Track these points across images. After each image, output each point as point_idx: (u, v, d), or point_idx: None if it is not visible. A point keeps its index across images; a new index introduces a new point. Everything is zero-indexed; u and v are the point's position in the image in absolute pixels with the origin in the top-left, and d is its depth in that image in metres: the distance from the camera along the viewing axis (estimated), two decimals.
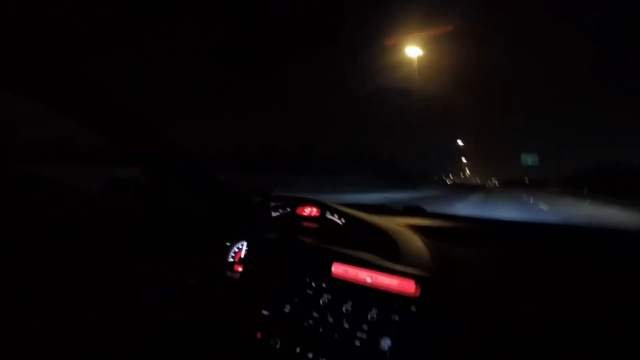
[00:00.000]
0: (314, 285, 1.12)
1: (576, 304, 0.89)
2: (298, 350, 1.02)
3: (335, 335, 0.99)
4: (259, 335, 1.12)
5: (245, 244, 1.41)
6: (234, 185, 1.59)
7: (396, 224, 1.39)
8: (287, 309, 1.08)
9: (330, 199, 1.53)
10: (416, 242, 1.22)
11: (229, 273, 1.40)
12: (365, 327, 0.97)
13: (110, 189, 1.49)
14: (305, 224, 1.46)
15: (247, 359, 1.14)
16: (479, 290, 1.00)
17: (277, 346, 1.06)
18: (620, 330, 0.80)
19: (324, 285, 1.10)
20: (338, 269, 1.11)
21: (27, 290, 1.14)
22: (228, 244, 1.43)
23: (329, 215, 1.44)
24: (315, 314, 1.05)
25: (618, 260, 1.02)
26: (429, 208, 1.66)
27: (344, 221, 1.39)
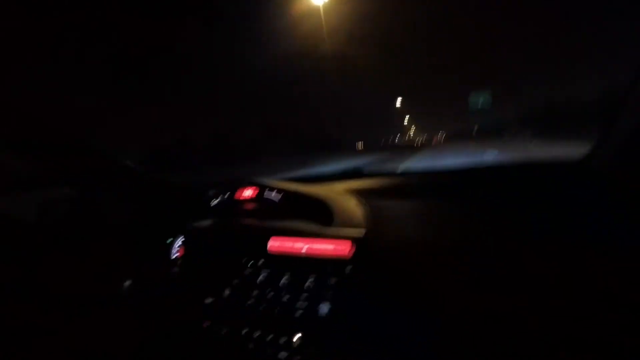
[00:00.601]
0: (250, 264, 1.11)
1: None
2: (244, 332, 1.01)
3: (276, 310, 0.99)
4: (206, 324, 1.10)
5: (183, 237, 1.38)
6: (168, 181, 1.55)
7: (334, 191, 1.39)
8: (227, 292, 1.07)
9: None
10: (351, 206, 1.21)
11: (174, 269, 1.37)
12: (303, 296, 0.97)
13: (45, 212, 1.42)
14: (244, 206, 1.44)
15: (198, 350, 1.14)
16: (415, 245, 1.01)
17: (223, 332, 1.05)
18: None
19: (260, 262, 1.10)
20: (274, 244, 1.11)
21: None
22: (169, 240, 1.39)
23: (266, 195, 1.42)
24: (255, 293, 1.04)
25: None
26: None
27: (280, 197, 1.38)
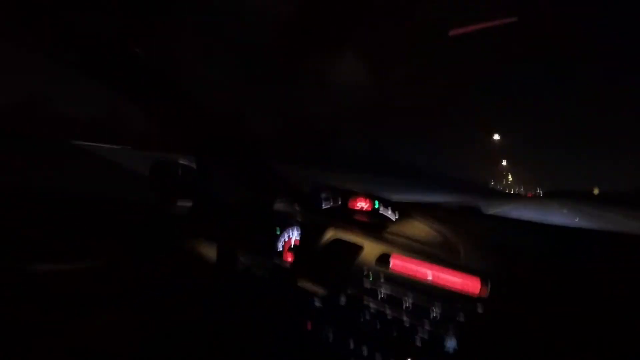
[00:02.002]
0: (371, 278, 1.06)
1: None
2: (352, 345, 0.97)
3: (394, 333, 0.93)
4: (309, 326, 1.07)
5: (295, 232, 1.38)
6: (285, 174, 1.56)
7: (454, 222, 1.32)
8: (342, 300, 1.03)
9: None
10: (476, 243, 1.14)
11: (277, 261, 1.36)
12: (427, 325, 0.91)
13: (158, 171, 1.49)
14: (358, 217, 1.41)
15: (295, 351, 1.11)
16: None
17: (330, 339, 1.01)
18: None
19: (382, 278, 1.05)
20: (397, 263, 1.06)
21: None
22: (278, 231, 1.40)
23: (382, 210, 1.38)
24: (372, 308, 0.99)
25: None
26: None
27: (397, 217, 1.33)
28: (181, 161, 1.53)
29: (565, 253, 1.08)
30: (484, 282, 0.93)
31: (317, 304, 1.09)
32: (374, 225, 1.33)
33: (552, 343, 0.80)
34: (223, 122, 1.46)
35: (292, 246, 1.38)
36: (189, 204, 1.54)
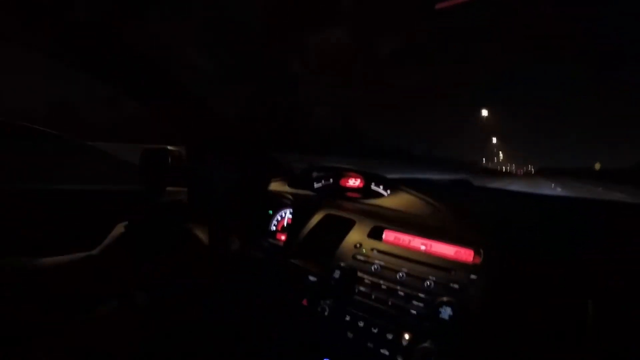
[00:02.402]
0: (364, 251, 1.07)
1: None
2: (348, 318, 0.97)
3: (389, 303, 0.94)
4: (305, 302, 1.08)
5: (287, 212, 1.38)
6: (275, 157, 1.56)
7: (443, 197, 1.33)
8: (336, 274, 1.03)
9: None
10: (466, 214, 1.15)
11: (270, 240, 1.36)
12: (421, 294, 0.91)
13: (148, 159, 1.49)
14: (349, 194, 1.41)
15: (292, 327, 1.11)
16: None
17: (325, 313, 1.01)
18: None
19: (375, 251, 1.05)
20: (389, 235, 1.07)
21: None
22: (270, 212, 1.40)
23: (373, 186, 1.38)
24: (366, 281, 1.00)
25: None
26: None
27: (389, 192, 1.33)
28: (170, 148, 1.52)
29: (555, 220, 1.09)
30: (476, 251, 0.93)
31: (312, 279, 1.09)
32: (366, 201, 1.34)
33: (546, 309, 0.81)
34: (212, 107, 1.44)
35: (285, 226, 1.38)
36: (180, 189, 1.54)
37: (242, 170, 1.53)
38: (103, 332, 1.20)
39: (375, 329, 0.93)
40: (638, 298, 0.76)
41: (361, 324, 0.95)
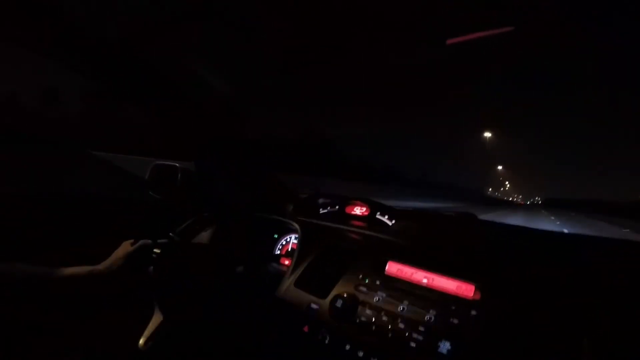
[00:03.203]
0: (367, 282, 1.09)
1: None
2: (348, 347, 0.98)
3: (389, 335, 0.95)
4: (306, 329, 1.09)
5: (292, 237, 1.40)
6: (283, 180, 1.59)
7: (448, 232, 1.35)
8: (338, 303, 1.05)
9: None
10: (469, 249, 1.17)
11: (274, 265, 1.38)
12: (422, 328, 0.93)
13: (158, 175, 1.53)
14: (354, 222, 1.43)
15: (292, 354, 1.12)
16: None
17: (326, 342, 1.02)
18: None
19: (377, 282, 1.07)
20: (392, 267, 1.09)
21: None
22: (276, 236, 1.42)
23: (378, 216, 1.41)
24: (368, 312, 1.01)
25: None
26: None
27: (394, 222, 1.36)
28: (181, 165, 1.56)
29: (554, 257, 1.11)
30: (477, 287, 0.95)
31: (314, 306, 1.11)
32: (371, 231, 1.36)
33: (544, 345, 0.82)
34: (224, 125, 1.49)
35: (289, 250, 1.40)
36: (188, 207, 1.57)
37: (250, 192, 1.56)
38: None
39: (374, 359, 0.94)
40: (631, 337, 0.77)
41: (360, 354, 0.96)
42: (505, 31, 1.45)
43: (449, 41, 1.51)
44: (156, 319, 1.36)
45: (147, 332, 1.22)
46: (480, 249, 1.16)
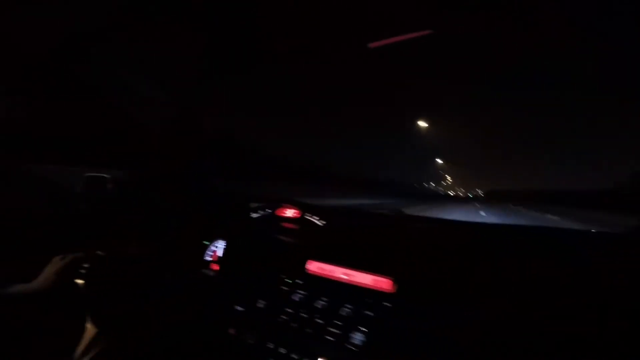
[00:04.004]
0: (288, 281, 1.12)
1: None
2: (271, 346, 1.01)
3: (309, 331, 0.99)
4: (232, 331, 1.11)
5: (222, 242, 1.41)
6: (214, 187, 1.60)
7: (373, 226, 1.40)
8: (260, 304, 1.07)
9: None
10: (394, 244, 1.22)
11: (205, 271, 1.39)
12: (338, 322, 0.97)
13: (91, 184, 1.51)
14: (285, 224, 1.46)
15: (220, 355, 1.14)
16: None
17: (250, 342, 1.05)
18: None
19: (298, 281, 1.11)
20: (313, 266, 1.13)
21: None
22: (206, 242, 1.42)
23: (308, 217, 1.44)
24: (288, 310, 1.05)
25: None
26: None
27: (324, 222, 1.40)
28: (110, 175, 1.54)
29: (473, 249, 1.18)
30: (394, 280, 1.00)
31: (239, 308, 1.13)
32: (301, 231, 1.40)
33: (455, 337, 0.88)
34: (152, 135, 1.48)
35: (220, 256, 1.41)
36: (118, 218, 1.55)
37: (180, 199, 1.56)
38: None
39: (295, 355, 0.97)
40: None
41: (283, 350, 0.99)
42: (426, 34, 1.53)
43: (372, 44, 1.57)
44: (90, 333, 1.33)
45: (82, 347, 1.20)
46: (399, 244, 1.22)
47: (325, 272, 1.10)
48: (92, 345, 1.26)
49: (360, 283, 1.04)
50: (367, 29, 1.57)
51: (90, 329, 1.36)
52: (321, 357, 0.94)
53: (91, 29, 1.53)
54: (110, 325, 1.37)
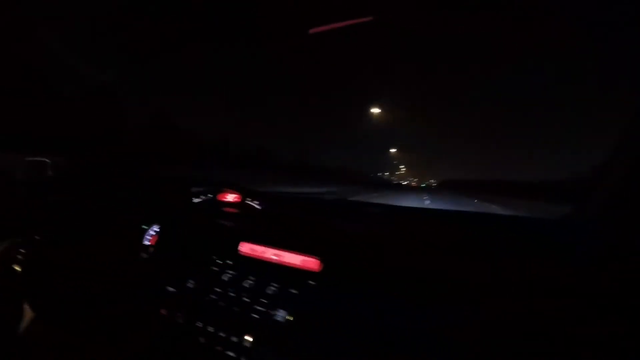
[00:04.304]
0: (219, 262, 1.15)
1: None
2: (200, 324, 1.04)
3: (235, 309, 1.02)
4: (163, 311, 1.12)
5: (162, 225, 1.42)
6: (154, 172, 1.60)
7: (310, 211, 1.45)
8: (190, 284, 1.10)
9: None
10: (327, 227, 1.27)
11: (144, 255, 1.39)
12: (264, 300, 1.01)
13: (31, 169, 1.49)
14: (226, 209, 1.48)
15: (153, 336, 1.15)
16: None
17: (180, 321, 1.07)
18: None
19: (229, 262, 1.14)
20: (245, 247, 1.16)
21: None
22: (145, 227, 1.42)
23: (248, 201, 1.47)
24: (217, 290, 1.07)
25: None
26: None
27: (261, 206, 1.43)
28: (51, 160, 1.52)
29: (403, 233, 1.24)
30: (321, 260, 1.05)
31: (170, 289, 1.15)
32: (238, 216, 1.42)
33: (374, 316, 0.93)
34: (93, 120, 1.46)
35: (159, 240, 1.42)
36: (60, 200, 1.53)
37: (120, 184, 1.55)
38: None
39: (222, 333, 1.00)
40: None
41: (211, 329, 1.02)
42: (366, 21, 1.56)
43: (312, 31, 1.59)
44: (27, 317, 1.32)
45: (20, 330, 1.20)
46: (332, 227, 1.27)
47: (256, 253, 1.14)
48: (29, 328, 1.26)
49: (289, 263, 1.08)
50: (309, 15, 1.58)
51: (28, 313, 1.35)
52: (248, 334, 0.97)
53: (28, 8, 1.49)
54: (49, 310, 1.37)
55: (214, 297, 1.07)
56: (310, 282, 1.01)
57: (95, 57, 1.63)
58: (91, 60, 1.62)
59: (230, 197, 1.51)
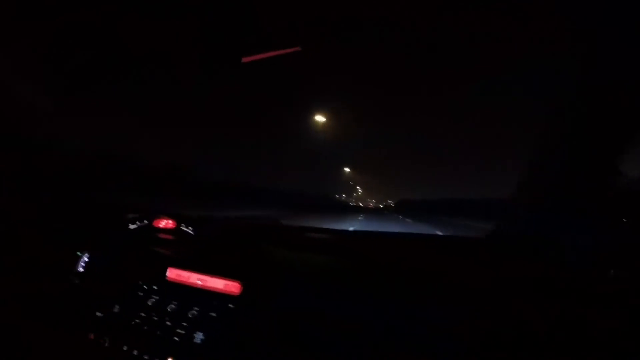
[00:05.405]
0: (145, 287, 1.22)
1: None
2: (125, 348, 1.11)
3: (158, 333, 1.10)
4: (91, 336, 1.18)
5: (96, 252, 1.46)
6: (89, 198, 1.64)
7: (244, 235, 1.54)
8: (116, 309, 1.17)
9: None
10: (252, 251, 1.36)
11: (77, 281, 1.43)
12: (184, 323, 1.09)
13: None
14: (161, 235, 1.55)
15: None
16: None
17: (106, 345, 1.13)
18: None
19: (154, 287, 1.21)
20: (172, 273, 1.23)
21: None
22: (79, 253, 1.46)
23: (183, 227, 1.54)
24: (142, 314, 1.15)
25: None
26: None
27: (195, 231, 1.51)
28: None
29: (327, 254, 1.34)
30: (242, 284, 1.14)
31: (99, 314, 1.21)
32: (175, 242, 1.49)
33: (294, 338, 1.01)
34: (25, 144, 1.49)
35: (93, 267, 1.46)
36: None
37: (55, 209, 1.59)
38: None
39: (146, 356, 1.08)
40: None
41: (135, 352, 1.09)
42: (295, 51, 1.68)
43: (245, 59, 1.70)
44: None
45: None
46: (256, 250, 1.37)
47: (182, 279, 1.22)
48: None
49: (213, 288, 1.17)
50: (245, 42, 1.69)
51: None
52: (170, 356, 1.05)
53: None
54: None
55: (138, 321, 1.14)
56: (230, 305, 1.10)
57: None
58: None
59: (165, 223, 1.57)
